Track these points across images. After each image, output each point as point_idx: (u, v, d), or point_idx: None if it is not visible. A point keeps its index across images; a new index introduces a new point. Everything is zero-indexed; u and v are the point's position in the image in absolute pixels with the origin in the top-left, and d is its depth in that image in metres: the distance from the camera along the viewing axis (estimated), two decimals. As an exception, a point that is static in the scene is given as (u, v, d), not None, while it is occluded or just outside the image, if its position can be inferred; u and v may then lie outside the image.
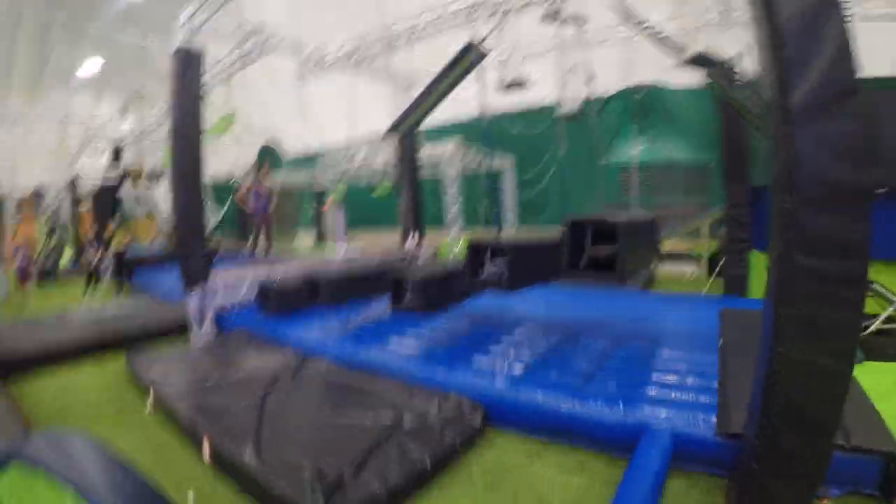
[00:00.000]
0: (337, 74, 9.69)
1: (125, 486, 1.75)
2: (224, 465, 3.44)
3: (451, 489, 3.20)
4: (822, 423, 2.22)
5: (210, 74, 8.11)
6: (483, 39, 7.49)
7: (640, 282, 3.37)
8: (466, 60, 8.15)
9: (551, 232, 3.96)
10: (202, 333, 6.61)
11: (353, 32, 9.11)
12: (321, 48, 9.15)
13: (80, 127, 13.75)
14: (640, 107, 11.59)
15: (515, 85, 6.31)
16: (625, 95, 11.46)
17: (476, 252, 4.14)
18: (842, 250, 2.10)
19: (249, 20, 7.51)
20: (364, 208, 14.92)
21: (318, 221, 17.27)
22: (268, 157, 21.16)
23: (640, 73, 11.00)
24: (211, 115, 9.47)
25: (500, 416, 3.94)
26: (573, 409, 3.55)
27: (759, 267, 6.90)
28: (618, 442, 3.30)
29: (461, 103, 13.59)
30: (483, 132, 13.02)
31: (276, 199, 11.41)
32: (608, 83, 11.38)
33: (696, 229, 9.48)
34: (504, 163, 12.92)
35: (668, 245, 9.72)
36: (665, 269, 9.74)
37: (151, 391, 4.64)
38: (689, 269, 9.69)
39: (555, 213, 12.11)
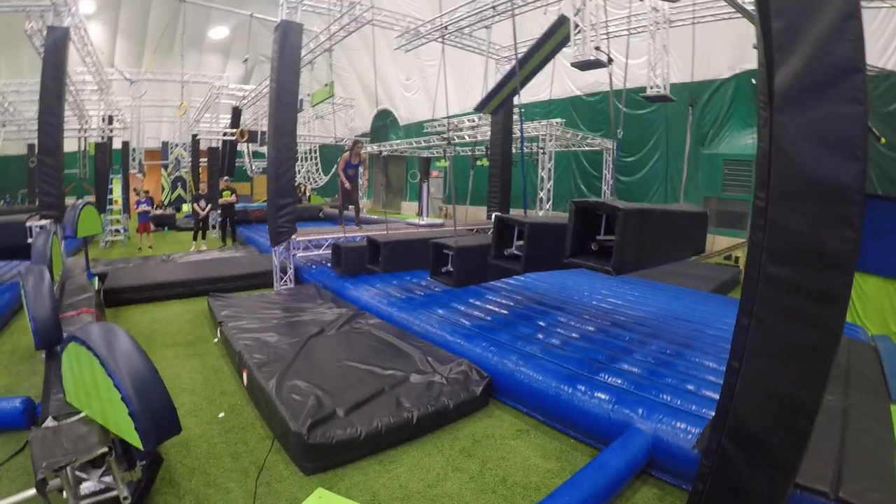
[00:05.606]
0: (444, 46, 9.81)
1: (132, 361, 2.36)
2: (253, 391, 4.00)
3: (431, 446, 3.37)
4: (777, 455, 1.94)
5: (315, 45, 8.84)
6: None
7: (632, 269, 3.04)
8: (560, 34, 7.76)
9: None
10: (281, 284, 7.44)
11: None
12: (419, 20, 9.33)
13: (205, 87, 15.32)
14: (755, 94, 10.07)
15: (593, 65, 5.84)
16: (739, 80, 10.02)
17: (503, 229, 4.09)
18: (819, 260, 1.79)
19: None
20: (475, 181, 14.98)
21: (420, 190, 17.87)
22: (385, 120, 22.23)
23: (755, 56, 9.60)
24: (313, 84, 10.32)
25: (505, 390, 4.01)
26: (563, 395, 3.48)
27: (857, 289, 5.79)
28: (604, 436, 3.16)
29: (568, 80, 13.15)
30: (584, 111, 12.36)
31: (365, 171, 11.74)
32: (720, 67, 10.10)
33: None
34: (605, 144, 12.16)
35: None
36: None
37: (219, 326, 5.42)
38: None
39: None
